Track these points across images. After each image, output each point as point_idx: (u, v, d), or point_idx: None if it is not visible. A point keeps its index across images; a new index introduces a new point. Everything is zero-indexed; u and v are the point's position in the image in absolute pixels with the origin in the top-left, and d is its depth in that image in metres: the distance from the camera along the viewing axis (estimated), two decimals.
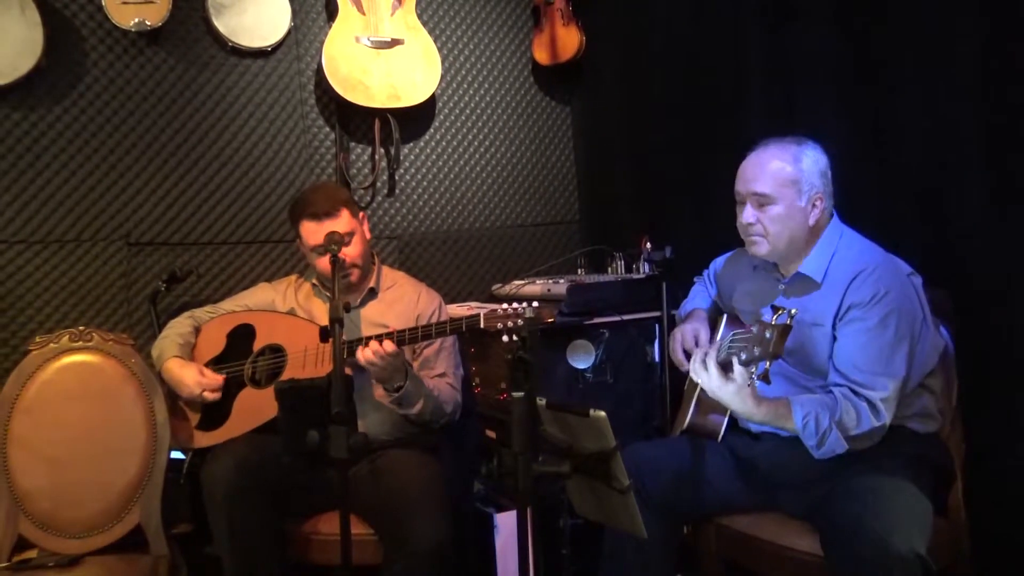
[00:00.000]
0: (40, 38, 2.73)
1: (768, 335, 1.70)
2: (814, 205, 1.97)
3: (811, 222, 1.98)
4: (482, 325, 2.18)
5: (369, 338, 2.25)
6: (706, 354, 1.88)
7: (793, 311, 1.71)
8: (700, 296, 2.40)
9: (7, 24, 2.71)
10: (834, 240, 2.01)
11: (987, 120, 2.07)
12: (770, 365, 1.72)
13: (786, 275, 2.07)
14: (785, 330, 1.69)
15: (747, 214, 2.01)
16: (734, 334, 1.89)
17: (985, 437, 2.07)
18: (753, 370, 1.76)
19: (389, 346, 2.21)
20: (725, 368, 1.85)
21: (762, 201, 1.98)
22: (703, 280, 2.43)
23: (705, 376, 1.87)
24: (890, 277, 1.91)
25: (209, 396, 2.35)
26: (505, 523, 2.50)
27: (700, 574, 2.16)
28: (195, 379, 2.35)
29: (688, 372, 2.21)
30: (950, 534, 1.97)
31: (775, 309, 1.74)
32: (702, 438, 2.12)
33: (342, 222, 2.40)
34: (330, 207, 2.39)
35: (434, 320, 2.45)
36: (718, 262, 2.38)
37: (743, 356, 1.77)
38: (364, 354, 2.21)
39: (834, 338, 1.94)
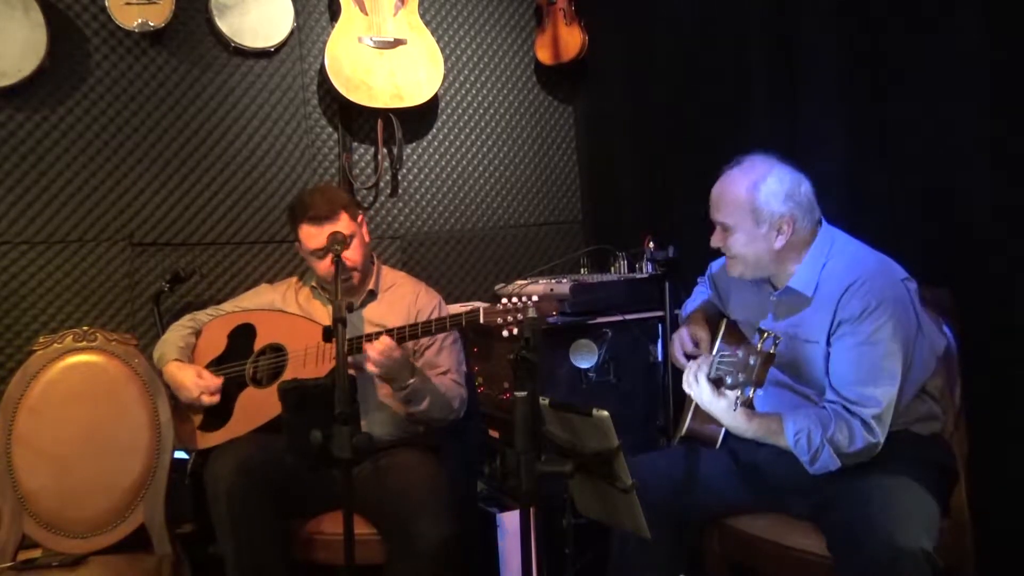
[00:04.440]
0: (43, 39, 2.74)
1: (752, 362, 1.72)
2: (779, 231, 1.95)
3: (777, 246, 1.96)
4: (482, 320, 2.18)
5: (367, 335, 2.25)
6: (698, 368, 1.90)
7: (778, 337, 1.72)
8: (702, 297, 2.40)
9: (10, 25, 2.71)
10: (824, 250, 1.97)
11: (992, 120, 2.06)
12: (754, 392, 1.74)
13: (778, 287, 2.06)
14: (768, 358, 1.71)
15: (714, 238, 2.05)
16: (722, 355, 1.89)
17: (988, 436, 2.06)
18: (739, 394, 1.78)
19: (384, 341, 2.21)
20: (718, 384, 1.87)
21: (724, 227, 2.01)
22: (704, 282, 2.43)
23: (697, 390, 1.91)
24: (881, 287, 1.88)
25: (207, 399, 2.35)
26: (508, 522, 2.51)
27: (705, 575, 2.16)
28: (193, 381, 2.35)
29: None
30: (954, 533, 1.97)
31: (761, 332, 1.75)
32: (702, 445, 2.12)
33: (341, 225, 2.38)
34: (329, 211, 2.38)
35: (433, 318, 2.45)
36: (715, 265, 2.36)
37: (729, 380, 1.79)
38: (371, 353, 2.20)
39: (828, 354, 1.93)
